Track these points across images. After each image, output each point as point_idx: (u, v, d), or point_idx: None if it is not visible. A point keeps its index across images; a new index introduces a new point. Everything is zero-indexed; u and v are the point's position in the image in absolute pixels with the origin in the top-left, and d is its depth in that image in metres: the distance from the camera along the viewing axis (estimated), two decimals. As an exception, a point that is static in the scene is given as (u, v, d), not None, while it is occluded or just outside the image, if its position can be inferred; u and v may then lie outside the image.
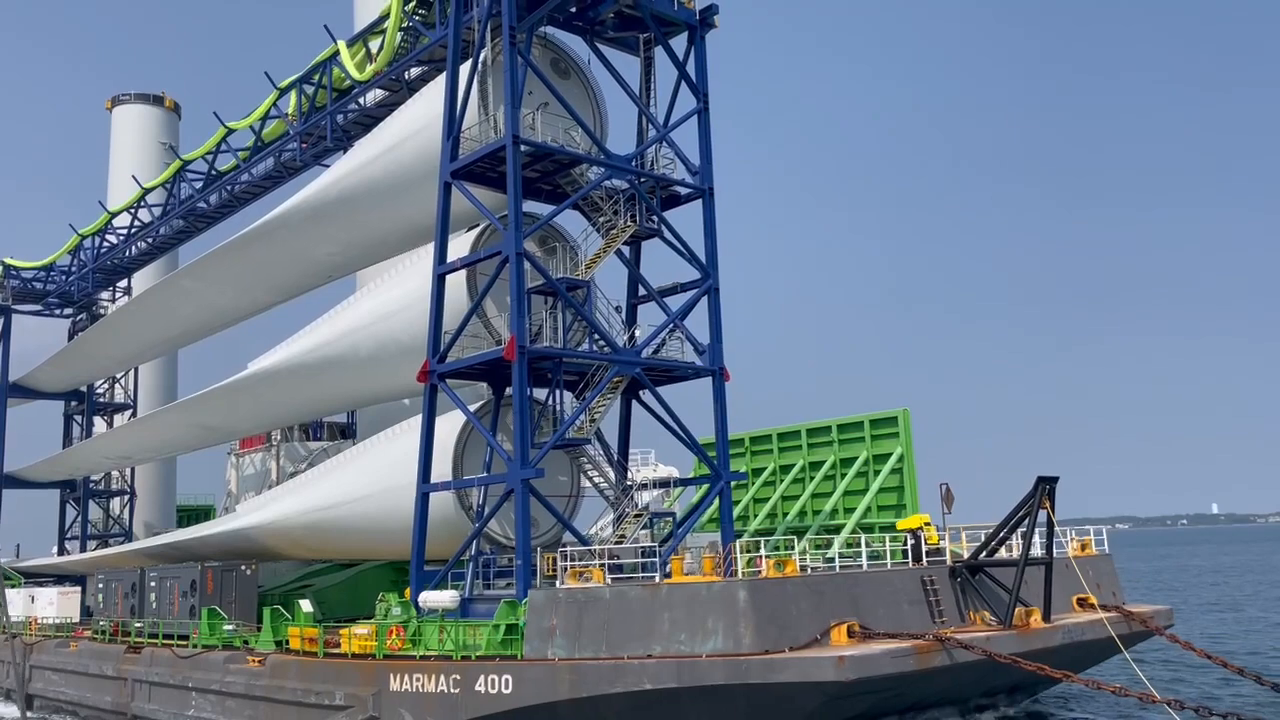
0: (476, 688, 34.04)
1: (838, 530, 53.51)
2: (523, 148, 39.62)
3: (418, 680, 35.41)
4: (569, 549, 36.59)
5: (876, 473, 57.08)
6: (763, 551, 33.89)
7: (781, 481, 61.74)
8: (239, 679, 42.54)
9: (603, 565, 34.70)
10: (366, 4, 64.76)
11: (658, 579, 34.01)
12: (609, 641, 32.97)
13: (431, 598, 37.80)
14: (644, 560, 35.20)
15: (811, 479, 59.71)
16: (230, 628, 46.05)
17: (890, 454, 57.13)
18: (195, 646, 46.63)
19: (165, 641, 48.93)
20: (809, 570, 35.49)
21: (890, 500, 56.91)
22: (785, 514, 60.36)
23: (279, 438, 74.69)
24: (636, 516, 40.47)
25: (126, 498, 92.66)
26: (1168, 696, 32.69)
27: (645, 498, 56.17)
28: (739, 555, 33.35)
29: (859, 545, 37.59)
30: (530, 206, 44.99)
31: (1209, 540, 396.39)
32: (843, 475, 58.29)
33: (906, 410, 58.02)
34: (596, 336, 42.44)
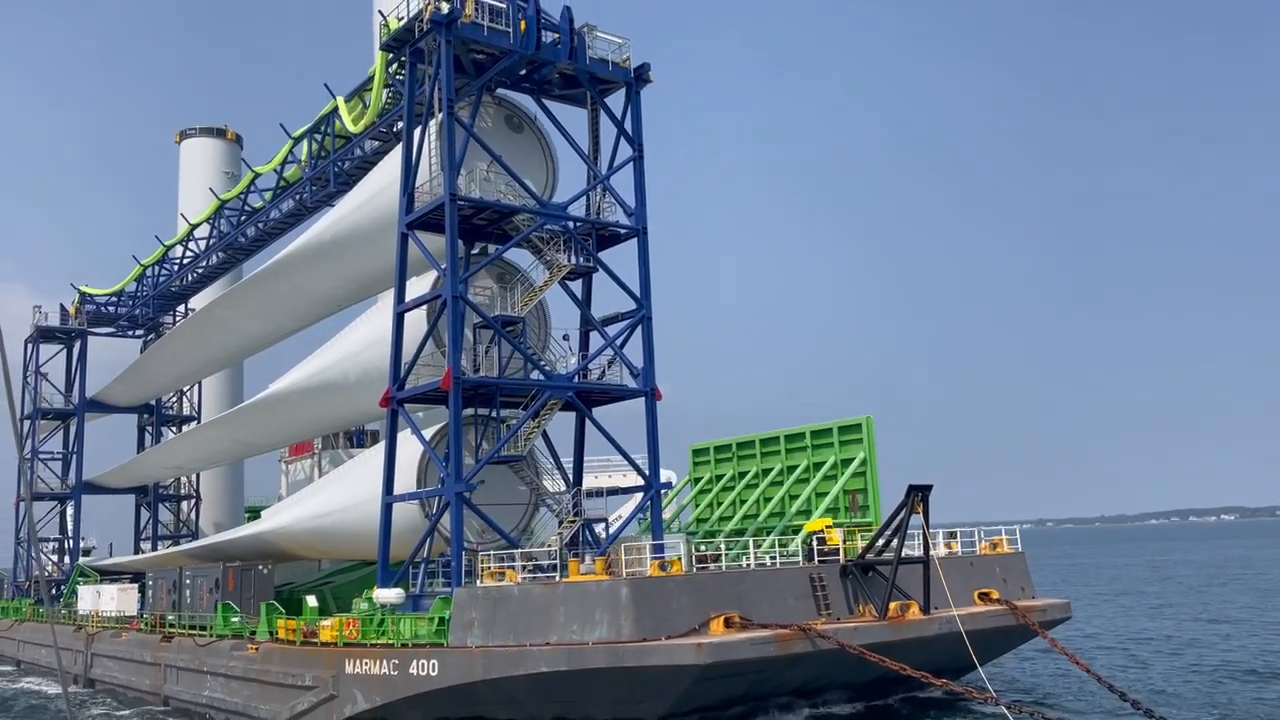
0: (410, 670, 40.08)
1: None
2: (461, 203, 45.51)
3: (366, 665, 41.62)
4: (491, 552, 42.46)
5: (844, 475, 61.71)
6: (647, 554, 39.15)
7: (760, 484, 66.70)
8: (239, 664, 49.37)
9: (514, 566, 40.41)
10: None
11: (557, 578, 39.61)
12: (516, 631, 38.66)
13: (381, 595, 44.06)
14: (549, 561, 40.86)
15: (787, 481, 64.53)
16: (236, 620, 52.97)
17: (854, 458, 61.74)
18: (211, 636, 53.65)
19: (189, 632, 56.17)
20: (696, 569, 40.67)
21: (858, 501, 61.56)
22: (760, 514, 65.29)
23: (320, 445, 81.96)
24: (571, 522, 46.14)
25: (193, 501, 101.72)
26: (996, 692, 37.14)
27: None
28: (623, 556, 38.77)
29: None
30: (483, 248, 51.01)
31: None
32: (815, 478, 63.03)
33: (870, 418, 62.61)
34: (541, 362, 48.22)
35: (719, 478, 69.02)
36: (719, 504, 67.51)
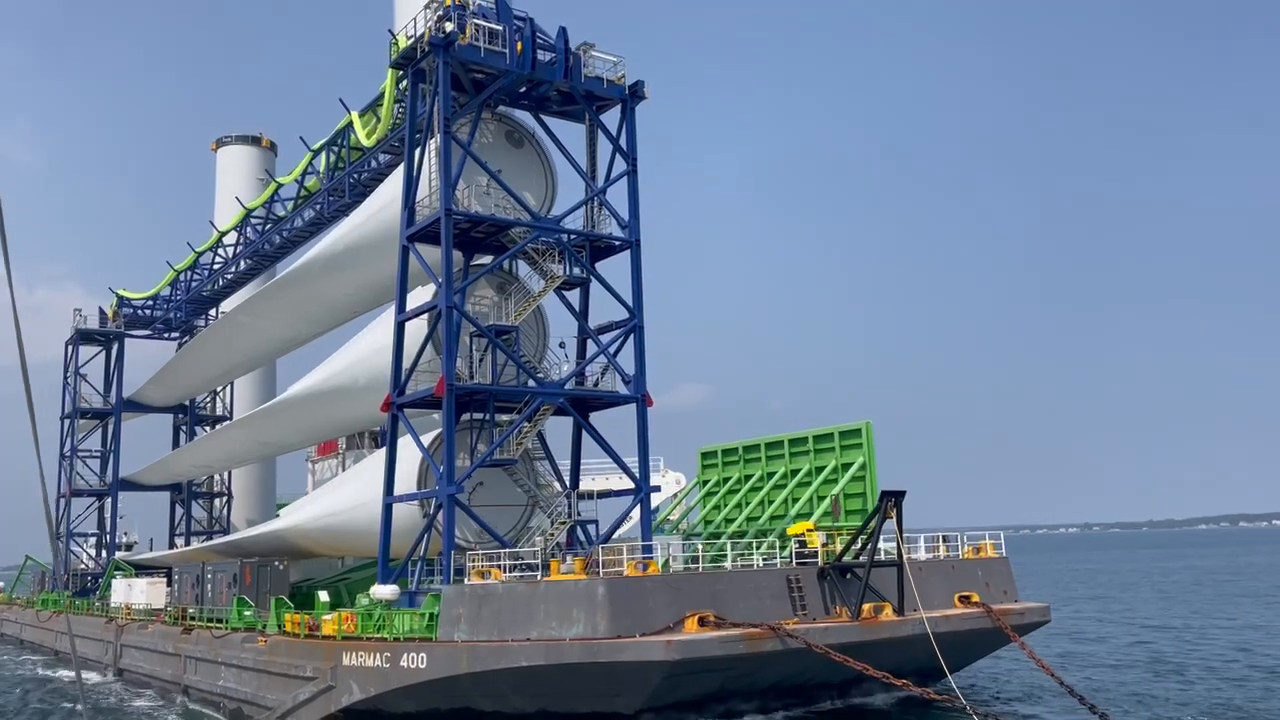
0: (401, 663, 42.15)
1: None
2: (457, 217, 47.57)
3: (361, 657, 43.77)
4: (479, 551, 44.45)
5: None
6: (625, 555, 40.93)
7: (765, 487, 68.26)
8: (250, 655, 51.79)
9: (500, 565, 42.38)
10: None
11: (539, 577, 41.51)
12: (500, 627, 40.61)
13: (378, 591, 46.24)
14: (532, 560, 42.79)
15: (789, 485, 66.05)
16: (249, 613, 55.45)
17: (854, 462, 63.16)
18: (227, 629, 56.18)
19: (206, 624, 58.80)
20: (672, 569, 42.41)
21: (855, 505, 62.90)
22: (762, 516, 66.85)
23: (344, 445, 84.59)
24: (562, 524, 48.06)
25: (225, 498, 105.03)
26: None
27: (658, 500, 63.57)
28: (599, 556, 40.57)
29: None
30: (483, 259, 53.07)
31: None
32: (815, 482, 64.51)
33: (869, 423, 64.00)
34: (537, 370, 50.19)
35: (725, 480, 70.58)
36: (725, 506, 69.11)
